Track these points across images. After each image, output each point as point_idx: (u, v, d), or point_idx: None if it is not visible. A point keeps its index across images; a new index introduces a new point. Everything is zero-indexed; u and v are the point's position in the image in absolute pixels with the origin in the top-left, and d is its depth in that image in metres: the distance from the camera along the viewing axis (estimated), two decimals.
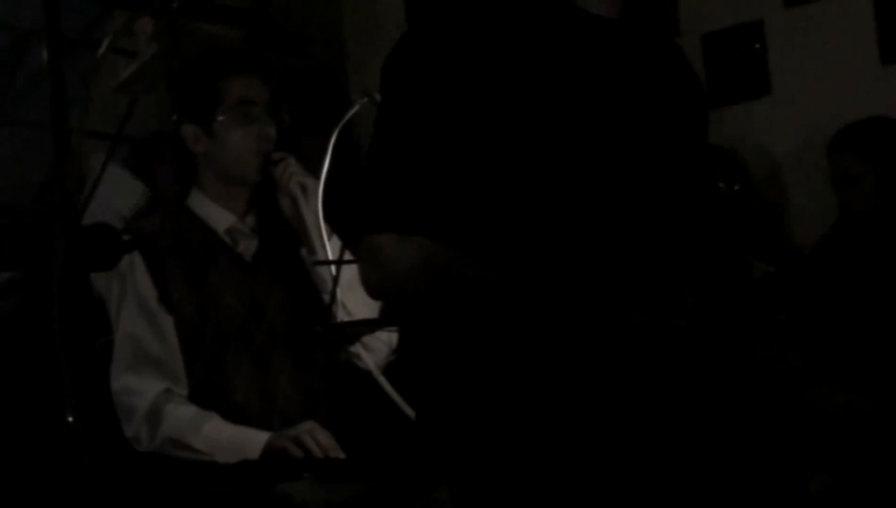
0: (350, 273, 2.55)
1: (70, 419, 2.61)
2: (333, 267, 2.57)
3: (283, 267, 2.74)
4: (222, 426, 2.57)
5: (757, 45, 3.81)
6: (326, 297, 2.61)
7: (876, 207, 3.35)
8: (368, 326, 2.62)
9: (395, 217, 1.67)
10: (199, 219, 2.73)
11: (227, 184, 2.75)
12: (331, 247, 2.63)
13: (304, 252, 2.72)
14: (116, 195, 3.39)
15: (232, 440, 2.55)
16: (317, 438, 2.52)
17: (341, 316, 2.59)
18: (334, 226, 2.68)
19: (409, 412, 2.52)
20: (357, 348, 2.67)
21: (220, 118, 2.70)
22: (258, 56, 3.29)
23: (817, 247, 3.50)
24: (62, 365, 2.66)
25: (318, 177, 2.63)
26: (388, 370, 2.67)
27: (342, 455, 2.55)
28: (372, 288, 1.73)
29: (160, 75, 3.97)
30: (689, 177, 1.84)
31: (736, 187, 3.71)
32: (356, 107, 2.62)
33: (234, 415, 2.60)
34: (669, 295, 1.63)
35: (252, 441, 2.54)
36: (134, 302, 2.65)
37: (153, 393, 2.59)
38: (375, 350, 2.70)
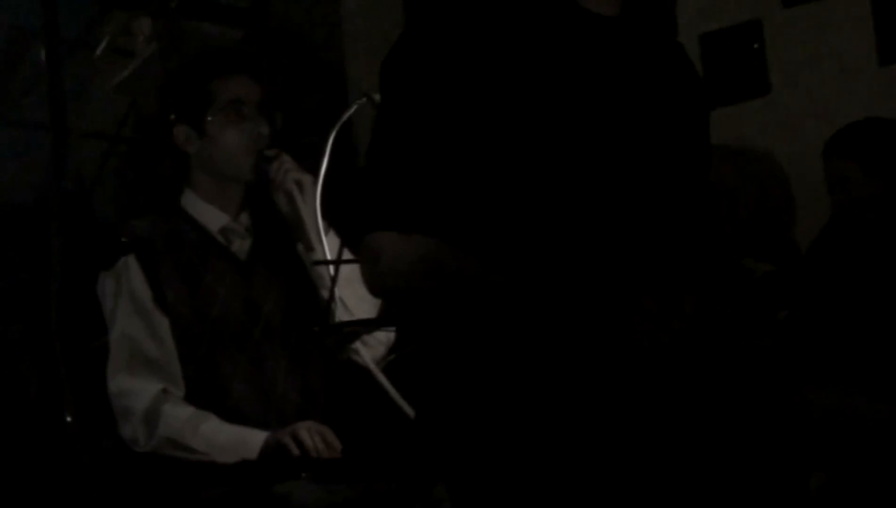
0: (348, 268, 2.55)
1: (68, 419, 2.61)
2: (332, 267, 2.57)
3: (279, 266, 2.74)
4: (220, 426, 2.56)
5: (755, 45, 3.80)
6: (324, 294, 2.61)
7: (870, 210, 3.35)
8: (366, 326, 2.62)
9: (396, 215, 1.68)
10: (192, 220, 2.73)
11: (221, 183, 2.75)
12: (328, 244, 2.63)
13: (300, 249, 2.72)
14: None
15: (230, 439, 2.55)
16: (315, 437, 2.52)
17: (340, 312, 2.59)
18: (332, 223, 2.68)
19: (408, 410, 2.52)
20: (356, 343, 2.67)
21: (212, 118, 2.71)
22: (249, 55, 3.28)
23: (812, 247, 3.50)
24: (60, 364, 2.66)
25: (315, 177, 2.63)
26: (386, 369, 2.67)
27: (340, 455, 2.54)
28: (373, 286, 1.74)
29: (158, 75, 3.98)
30: (690, 177, 1.84)
31: (734, 187, 3.71)
32: (354, 107, 2.62)
33: (231, 415, 2.59)
34: (670, 297, 1.62)
35: (250, 440, 2.54)
36: (129, 302, 2.64)
37: (150, 393, 2.59)
38: (373, 346, 2.70)
